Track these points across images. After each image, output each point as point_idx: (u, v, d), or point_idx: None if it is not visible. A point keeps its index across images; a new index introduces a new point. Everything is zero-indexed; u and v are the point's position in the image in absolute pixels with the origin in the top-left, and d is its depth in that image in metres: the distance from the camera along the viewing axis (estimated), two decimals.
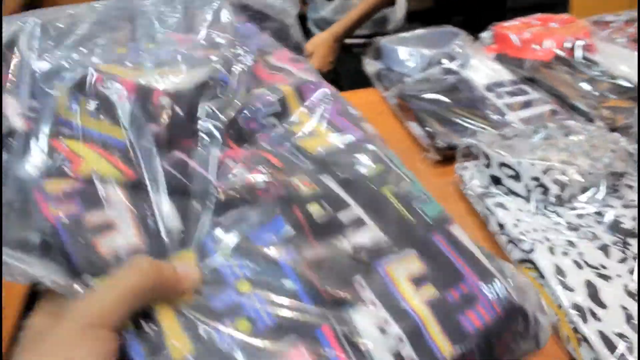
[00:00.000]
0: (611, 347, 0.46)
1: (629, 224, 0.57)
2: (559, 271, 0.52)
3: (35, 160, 0.33)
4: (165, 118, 0.37)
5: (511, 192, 0.64)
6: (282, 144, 0.40)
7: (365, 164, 0.39)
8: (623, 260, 0.53)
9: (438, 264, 0.34)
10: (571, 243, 0.56)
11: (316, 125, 0.42)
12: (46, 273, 0.29)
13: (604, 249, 0.55)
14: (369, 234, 0.35)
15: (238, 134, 0.40)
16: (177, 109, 0.37)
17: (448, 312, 0.32)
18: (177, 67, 0.40)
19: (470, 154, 0.71)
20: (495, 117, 0.83)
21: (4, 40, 0.38)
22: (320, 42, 1.54)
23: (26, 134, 0.34)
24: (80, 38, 0.41)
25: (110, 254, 0.31)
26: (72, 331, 0.27)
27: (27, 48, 0.38)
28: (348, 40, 1.61)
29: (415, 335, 0.30)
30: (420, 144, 0.82)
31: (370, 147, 0.40)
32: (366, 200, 0.36)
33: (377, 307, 0.31)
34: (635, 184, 0.63)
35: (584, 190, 0.61)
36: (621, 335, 0.47)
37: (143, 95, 0.37)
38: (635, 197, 0.61)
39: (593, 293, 0.50)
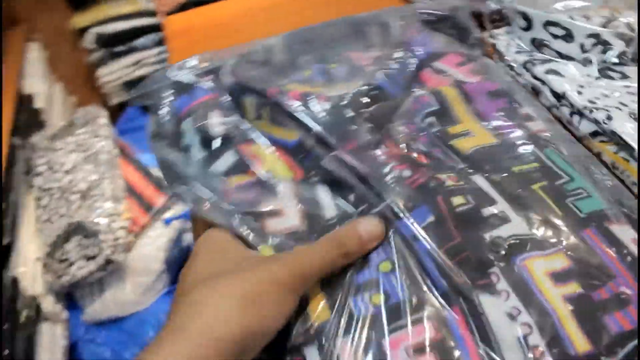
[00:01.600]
0: None
1: None
2: None
3: (226, 160, 0.41)
4: (326, 120, 0.41)
5: (562, 56, 0.53)
6: (436, 145, 0.41)
7: (519, 163, 0.38)
8: None
9: (586, 261, 0.32)
10: None
11: (474, 124, 0.42)
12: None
13: None
14: (512, 229, 0.34)
15: (398, 136, 0.41)
16: (338, 112, 0.42)
17: (590, 309, 0.30)
18: (343, 81, 0.46)
19: (500, 19, 0.59)
20: None
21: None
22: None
23: (223, 139, 0.42)
24: (275, 65, 0.50)
25: (273, 232, 0.37)
26: (270, 285, 0.31)
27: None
28: None
29: (547, 325, 0.30)
30: None
31: (527, 145, 0.40)
32: (514, 197, 0.36)
33: (510, 298, 0.31)
34: None
35: None
36: None
37: (305, 100, 0.42)
38: None
39: None
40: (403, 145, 0.41)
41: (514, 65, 0.55)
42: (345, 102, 0.42)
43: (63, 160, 1.23)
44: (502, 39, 0.57)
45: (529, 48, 0.55)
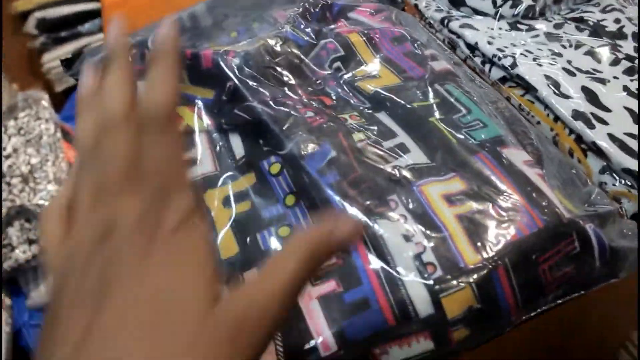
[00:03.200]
0: (624, 147, 0.40)
1: (612, 26, 0.51)
2: (550, 81, 0.45)
3: None
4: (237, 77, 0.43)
5: (476, 12, 0.56)
6: (342, 88, 0.44)
7: (419, 99, 0.40)
8: (616, 62, 0.47)
9: (478, 181, 0.35)
10: (556, 53, 0.49)
11: (380, 66, 0.44)
12: None
13: (593, 54, 0.48)
14: (411, 159, 0.37)
15: (307, 82, 0.45)
16: (248, 68, 0.44)
17: (480, 225, 0.32)
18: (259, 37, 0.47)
19: None
20: None
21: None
22: None
23: None
24: (202, 31, 0.52)
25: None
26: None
27: None
28: None
29: (439, 243, 0.32)
30: None
31: (430, 82, 0.42)
32: (414, 129, 0.39)
33: (407, 221, 0.33)
34: None
35: (557, 0, 0.54)
36: (630, 135, 0.41)
37: (218, 60, 0.44)
38: (612, 1, 0.54)
39: (593, 98, 0.44)
40: (311, 89, 0.44)
41: (433, 22, 0.58)
42: (254, 54, 0.44)
43: (4, 145, 1.21)
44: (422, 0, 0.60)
45: (447, 7, 0.57)
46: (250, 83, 0.43)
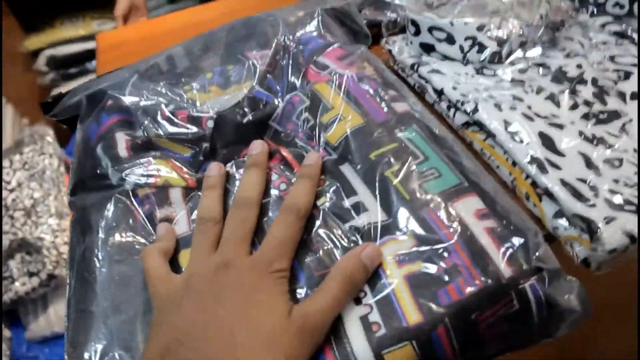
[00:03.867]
0: (575, 193, 0.41)
1: (573, 72, 0.52)
2: (509, 126, 0.47)
3: (134, 177, 0.45)
4: (212, 137, 0.47)
5: (446, 58, 0.57)
6: (310, 138, 0.46)
7: (378, 146, 0.42)
8: (574, 107, 0.48)
9: (426, 241, 0.36)
10: (517, 97, 0.50)
11: (344, 106, 0.45)
12: None
13: (553, 98, 0.49)
14: (369, 218, 0.39)
15: (279, 137, 0.48)
16: (222, 129, 0.47)
17: (426, 284, 0.34)
18: (229, 87, 0.52)
19: (396, 28, 0.64)
20: None
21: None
22: None
23: (129, 160, 0.46)
24: (178, 73, 0.54)
25: None
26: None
27: (131, 94, 0.50)
28: None
29: (385, 303, 0.34)
30: None
31: (390, 125, 0.43)
32: (372, 185, 0.40)
33: None
34: None
35: (522, 45, 0.56)
36: (582, 180, 0.42)
37: (195, 122, 0.47)
38: (576, 48, 0.56)
39: (549, 143, 0.45)
40: (283, 151, 0.46)
41: (404, 67, 0.59)
42: (226, 117, 0.48)
43: (8, 179, 1.24)
44: (396, 44, 0.62)
45: (419, 52, 0.59)
46: (223, 149, 0.47)
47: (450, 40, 0.56)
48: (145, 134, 0.47)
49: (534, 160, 0.44)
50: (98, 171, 0.47)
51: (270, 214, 0.41)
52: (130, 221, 0.44)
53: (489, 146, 0.48)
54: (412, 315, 0.33)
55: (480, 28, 0.55)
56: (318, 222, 0.40)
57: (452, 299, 0.33)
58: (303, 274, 0.37)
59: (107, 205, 0.45)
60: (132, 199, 0.45)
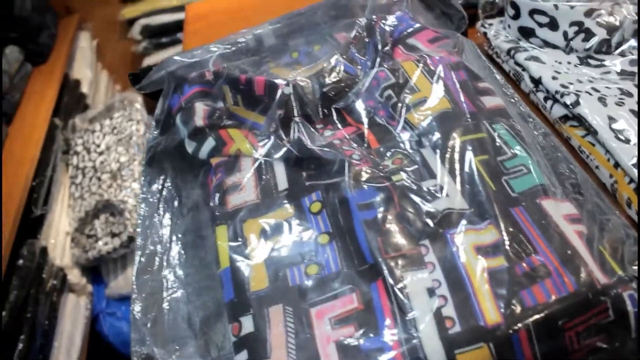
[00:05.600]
0: None
1: None
2: (614, 123, 0.42)
3: (208, 145, 0.44)
4: (287, 104, 0.45)
5: (546, 44, 0.53)
6: (392, 118, 0.43)
7: (466, 132, 0.39)
8: None
9: (512, 237, 0.33)
10: (626, 92, 0.45)
11: (432, 90, 0.42)
12: None
13: None
14: (447, 203, 0.36)
15: (355, 112, 0.45)
16: (298, 96, 0.45)
17: (508, 283, 0.31)
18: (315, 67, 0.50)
19: (494, 10, 0.60)
20: None
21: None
22: None
23: (205, 129, 0.45)
24: (266, 51, 0.53)
25: (233, 207, 0.40)
26: None
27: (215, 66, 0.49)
28: None
29: (462, 297, 0.31)
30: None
31: (479, 117, 0.40)
32: (453, 170, 0.37)
33: (434, 269, 0.33)
34: None
35: (636, 33, 0.50)
36: None
37: (272, 88, 0.45)
38: None
39: None
40: (361, 125, 0.44)
41: (499, 52, 0.55)
42: (304, 86, 0.46)
43: (98, 142, 1.30)
44: (492, 28, 0.58)
45: (517, 36, 0.55)
46: (299, 118, 0.45)
47: (553, 25, 0.51)
48: (224, 103, 0.46)
49: None
50: (176, 142, 0.47)
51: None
52: (202, 193, 0.43)
53: (589, 144, 0.44)
54: (491, 314, 0.30)
55: (588, 13, 0.50)
56: (392, 199, 0.36)
57: (537, 301, 0.30)
58: (372, 257, 0.34)
59: (180, 177, 0.45)
60: (206, 168, 0.44)
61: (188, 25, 0.81)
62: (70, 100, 1.42)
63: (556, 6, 0.51)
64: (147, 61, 1.68)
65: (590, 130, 0.43)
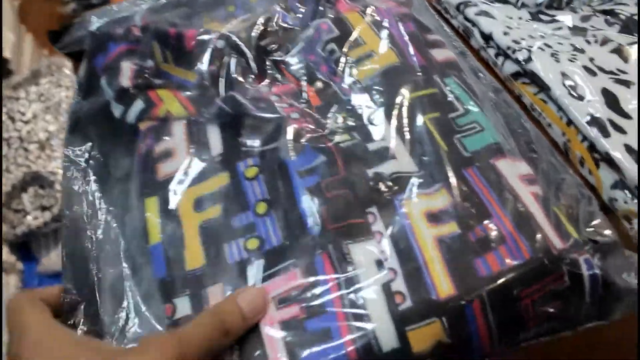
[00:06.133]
0: None
1: None
2: (567, 80, 0.41)
3: (136, 107, 0.39)
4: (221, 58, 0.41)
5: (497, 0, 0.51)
6: (335, 74, 0.40)
7: (416, 87, 0.36)
8: None
9: (464, 201, 0.31)
10: (578, 48, 0.44)
11: (379, 43, 0.40)
12: None
13: (620, 51, 0.43)
14: (397, 166, 0.33)
15: (294, 67, 0.41)
16: (233, 49, 0.42)
17: (461, 251, 0.29)
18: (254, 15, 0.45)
19: None
20: None
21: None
22: None
23: (132, 90, 0.40)
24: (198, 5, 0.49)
25: (164, 176, 0.36)
26: None
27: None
28: None
29: (412, 270, 0.29)
30: None
31: (429, 71, 0.37)
32: (402, 130, 0.35)
33: (382, 239, 0.30)
34: None
35: None
36: None
37: (204, 43, 0.42)
38: None
39: (613, 102, 0.39)
40: (302, 82, 0.40)
41: (448, 7, 0.53)
42: (240, 38, 0.42)
43: (23, 110, 1.21)
44: None
45: None
46: (234, 72, 0.41)
47: None
48: (153, 61, 0.42)
49: (594, 120, 0.38)
50: (101, 105, 0.42)
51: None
52: (131, 161, 0.39)
53: (541, 101, 0.42)
54: (443, 286, 0.28)
55: None
56: (336, 163, 0.34)
57: (492, 269, 0.28)
58: (315, 227, 0.32)
59: (107, 144, 0.40)
60: (134, 133, 0.39)
61: None
62: None
63: None
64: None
65: (543, 87, 0.42)
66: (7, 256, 1.13)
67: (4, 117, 1.21)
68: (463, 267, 0.28)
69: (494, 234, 0.29)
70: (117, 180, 0.40)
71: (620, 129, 0.37)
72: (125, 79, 0.40)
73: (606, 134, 0.37)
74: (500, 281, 0.28)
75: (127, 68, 0.41)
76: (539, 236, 0.29)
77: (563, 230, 0.30)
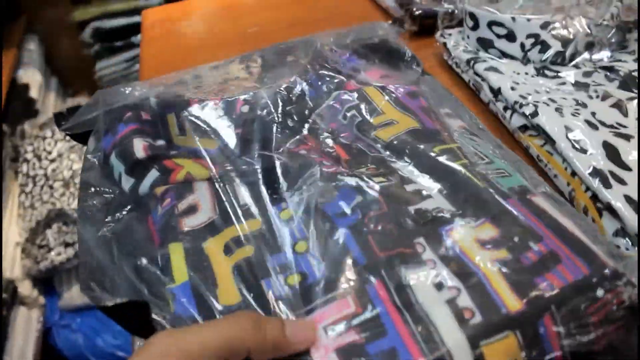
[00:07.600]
0: None
1: None
2: (570, 133, 0.44)
3: (151, 177, 0.40)
4: (245, 124, 0.43)
5: (505, 55, 0.54)
6: (359, 138, 0.42)
7: (440, 143, 0.39)
8: None
9: (511, 228, 0.32)
10: (580, 103, 0.47)
11: (397, 113, 0.43)
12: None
13: (620, 106, 0.46)
14: (436, 203, 0.35)
15: (318, 133, 0.43)
16: (257, 113, 0.44)
17: (518, 270, 0.30)
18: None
19: (453, 20, 0.61)
20: None
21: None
22: None
23: (146, 161, 0.40)
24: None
25: (190, 228, 0.36)
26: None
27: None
28: None
29: (475, 285, 0.29)
30: (392, 15, 0.71)
31: (447, 131, 0.41)
32: (437, 175, 0.37)
33: (436, 266, 0.31)
34: None
35: (589, 46, 0.52)
36: None
37: (229, 107, 0.44)
38: None
39: (614, 155, 0.42)
40: (327, 142, 0.42)
41: (459, 62, 0.57)
42: (263, 104, 0.44)
43: (49, 149, 1.26)
44: (452, 38, 0.59)
45: (476, 47, 0.56)
46: (259, 133, 0.42)
47: (510, 37, 0.53)
48: (166, 138, 0.43)
49: (596, 172, 0.41)
50: (108, 187, 0.41)
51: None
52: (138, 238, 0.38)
53: (547, 153, 0.46)
54: (511, 301, 0.28)
55: (544, 26, 0.51)
56: (377, 200, 0.35)
57: (554, 286, 0.29)
58: (363, 257, 0.32)
59: (114, 227, 0.38)
60: (148, 201, 0.39)
61: (145, 31, 0.79)
62: (19, 106, 1.37)
63: (513, 18, 0.52)
64: (100, 65, 1.64)
65: (548, 140, 0.45)
66: (30, 291, 1.17)
67: (30, 155, 1.26)
68: (526, 285, 0.29)
69: (548, 255, 0.30)
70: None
71: (621, 180, 0.40)
72: (139, 151, 0.40)
73: (608, 185, 0.40)
74: (566, 296, 0.28)
75: (140, 143, 0.41)
76: (592, 255, 0.30)
77: (608, 252, 0.31)
